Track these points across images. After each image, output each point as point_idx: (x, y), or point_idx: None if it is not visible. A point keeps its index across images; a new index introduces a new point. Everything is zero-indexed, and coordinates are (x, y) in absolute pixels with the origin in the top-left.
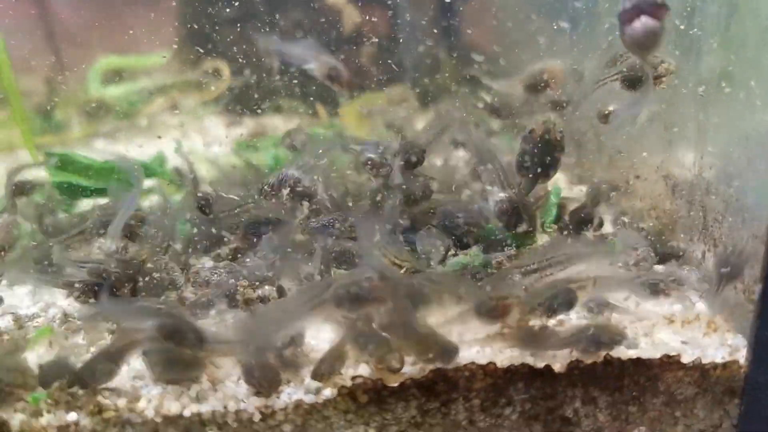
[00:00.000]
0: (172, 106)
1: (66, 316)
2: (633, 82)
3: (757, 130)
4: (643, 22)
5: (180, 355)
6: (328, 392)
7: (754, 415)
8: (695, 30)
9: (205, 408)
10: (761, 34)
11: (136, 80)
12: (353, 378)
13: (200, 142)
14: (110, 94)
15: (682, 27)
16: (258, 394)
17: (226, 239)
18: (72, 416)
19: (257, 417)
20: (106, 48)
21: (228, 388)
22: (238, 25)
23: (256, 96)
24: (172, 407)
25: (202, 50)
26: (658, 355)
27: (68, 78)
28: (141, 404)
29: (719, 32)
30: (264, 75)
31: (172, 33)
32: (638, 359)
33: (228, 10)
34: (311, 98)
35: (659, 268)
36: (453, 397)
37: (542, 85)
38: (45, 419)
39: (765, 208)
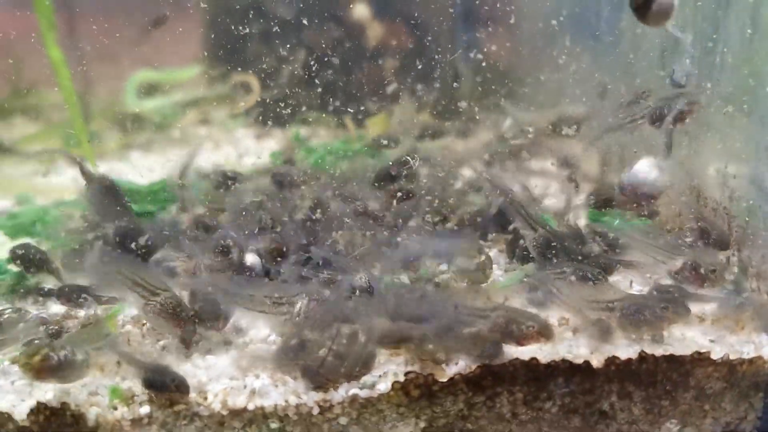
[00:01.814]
0: (204, 119)
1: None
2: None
3: None
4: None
5: None
6: (383, 387)
7: None
8: (719, 47)
9: (267, 402)
10: None
11: (170, 93)
12: (406, 374)
13: (233, 153)
14: (145, 107)
15: (709, 44)
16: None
17: None
18: (145, 409)
19: (316, 410)
20: (139, 62)
21: (289, 384)
22: (268, 40)
23: (285, 109)
24: (237, 401)
25: (232, 65)
26: (689, 352)
27: (104, 91)
28: (208, 398)
29: (742, 49)
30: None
31: (204, 48)
32: (671, 356)
33: (257, 26)
34: (340, 110)
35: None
36: (498, 391)
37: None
38: (119, 412)
39: None
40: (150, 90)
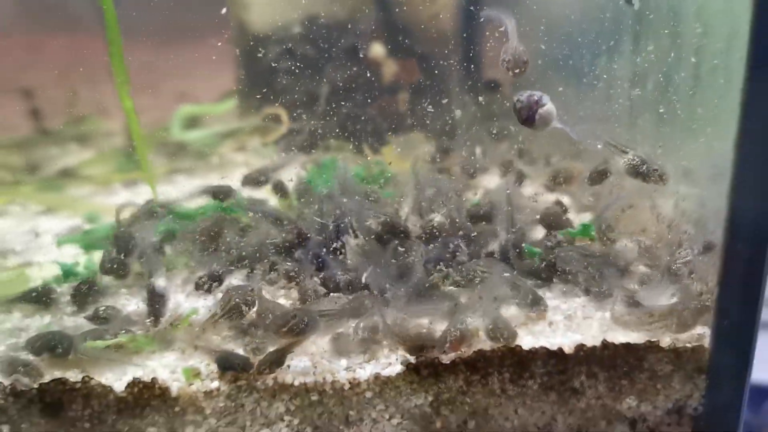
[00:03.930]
0: (240, 147)
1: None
2: (636, 172)
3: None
4: (542, 112)
5: None
6: (399, 368)
7: (716, 387)
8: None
9: (308, 379)
10: (725, 87)
11: (209, 125)
12: (417, 357)
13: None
14: (189, 137)
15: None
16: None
17: None
18: (215, 384)
19: (347, 386)
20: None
21: (325, 365)
22: (295, 77)
23: (310, 137)
24: (286, 378)
25: (263, 98)
26: (642, 341)
27: (151, 122)
28: (263, 375)
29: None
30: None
31: (238, 84)
32: (628, 344)
33: (287, 63)
34: (359, 138)
35: None
36: (490, 371)
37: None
38: (195, 387)
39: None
40: (193, 122)
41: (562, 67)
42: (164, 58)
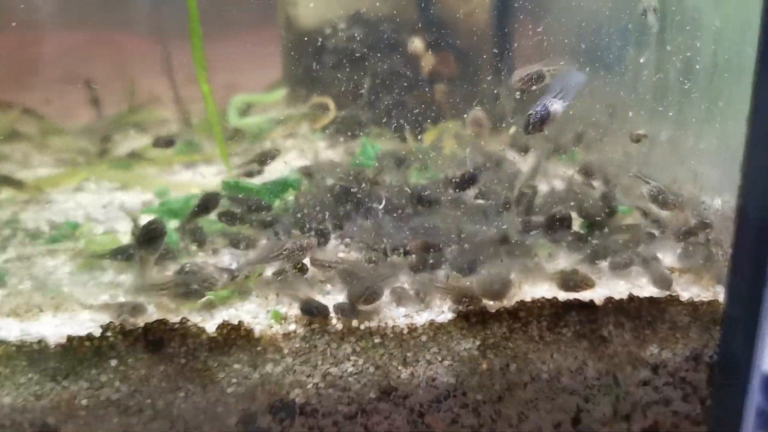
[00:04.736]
0: (291, 133)
1: None
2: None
3: (731, 144)
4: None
5: None
6: (450, 315)
7: (730, 337)
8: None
9: (372, 324)
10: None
11: (262, 112)
12: (467, 306)
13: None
14: (245, 124)
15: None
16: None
17: None
18: (291, 327)
19: (405, 330)
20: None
21: (386, 312)
22: (341, 69)
23: (353, 124)
24: (353, 323)
25: (312, 88)
26: (664, 295)
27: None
28: (333, 320)
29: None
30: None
31: (288, 75)
32: (651, 297)
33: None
34: (400, 124)
35: None
36: (529, 320)
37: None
38: (274, 329)
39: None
40: (247, 110)
41: (590, 57)
42: (218, 50)
